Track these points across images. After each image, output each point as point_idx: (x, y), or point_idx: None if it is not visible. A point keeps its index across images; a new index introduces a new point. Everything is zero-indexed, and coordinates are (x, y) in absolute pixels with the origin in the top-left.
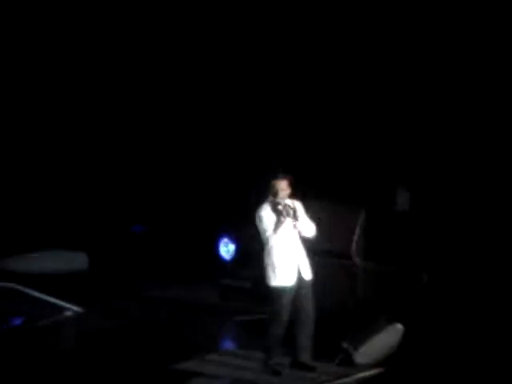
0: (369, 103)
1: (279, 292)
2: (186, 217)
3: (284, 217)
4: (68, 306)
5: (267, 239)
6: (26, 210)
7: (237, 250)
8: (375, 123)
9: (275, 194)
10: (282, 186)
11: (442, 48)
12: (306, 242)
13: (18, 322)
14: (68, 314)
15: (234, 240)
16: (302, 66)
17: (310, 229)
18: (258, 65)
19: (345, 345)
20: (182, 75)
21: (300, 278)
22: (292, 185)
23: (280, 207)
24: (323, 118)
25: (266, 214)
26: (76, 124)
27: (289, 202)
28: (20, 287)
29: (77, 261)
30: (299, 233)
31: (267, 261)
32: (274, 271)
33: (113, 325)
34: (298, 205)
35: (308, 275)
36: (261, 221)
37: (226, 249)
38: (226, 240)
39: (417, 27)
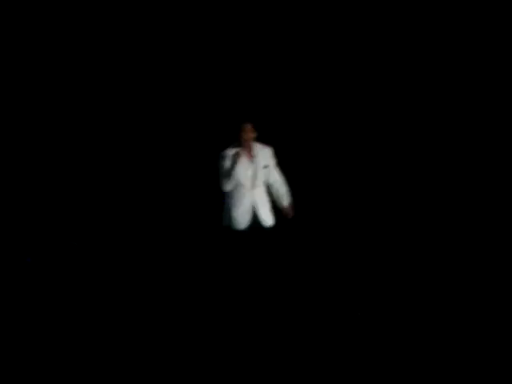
0: None
1: (233, 232)
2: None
3: (234, 161)
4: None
5: (224, 183)
6: None
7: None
8: None
9: (239, 137)
10: (246, 129)
11: None
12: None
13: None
14: (69, 247)
15: None
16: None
17: (272, 176)
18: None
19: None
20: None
21: (257, 223)
22: (255, 130)
23: (234, 152)
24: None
25: (225, 156)
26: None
27: (259, 146)
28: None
29: None
30: (261, 177)
31: (225, 201)
32: (227, 213)
33: (115, 256)
34: (267, 150)
35: (267, 221)
36: (219, 162)
37: None
38: None
39: None
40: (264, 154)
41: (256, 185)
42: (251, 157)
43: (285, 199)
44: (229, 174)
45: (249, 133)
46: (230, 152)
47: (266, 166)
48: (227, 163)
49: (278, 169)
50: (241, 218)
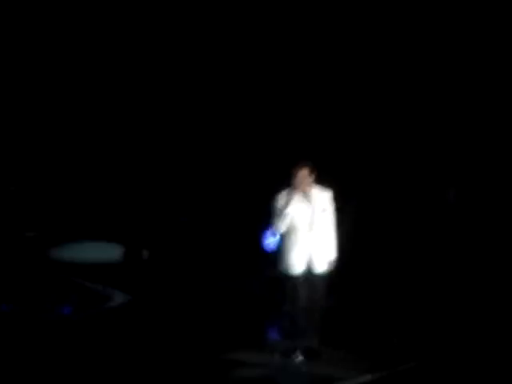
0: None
1: (288, 277)
2: (231, 210)
3: (286, 207)
4: (117, 293)
5: (276, 224)
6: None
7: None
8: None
9: (293, 183)
10: (301, 175)
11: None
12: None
13: (67, 310)
14: (117, 302)
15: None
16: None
17: (327, 221)
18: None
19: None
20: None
21: (311, 269)
22: (314, 174)
23: (290, 197)
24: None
25: (278, 201)
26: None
27: (315, 191)
28: (69, 276)
29: (115, 252)
30: (318, 221)
31: (281, 245)
32: (282, 257)
33: (162, 313)
34: (325, 195)
35: (320, 267)
36: (273, 206)
37: (270, 240)
38: (269, 231)
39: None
40: (322, 198)
41: (313, 229)
42: (307, 200)
43: (329, 253)
44: (281, 213)
45: (303, 176)
46: (285, 194)
47: (324, 210)
48: (280, 204)
49: (334, 217)
50: (296, 263)
